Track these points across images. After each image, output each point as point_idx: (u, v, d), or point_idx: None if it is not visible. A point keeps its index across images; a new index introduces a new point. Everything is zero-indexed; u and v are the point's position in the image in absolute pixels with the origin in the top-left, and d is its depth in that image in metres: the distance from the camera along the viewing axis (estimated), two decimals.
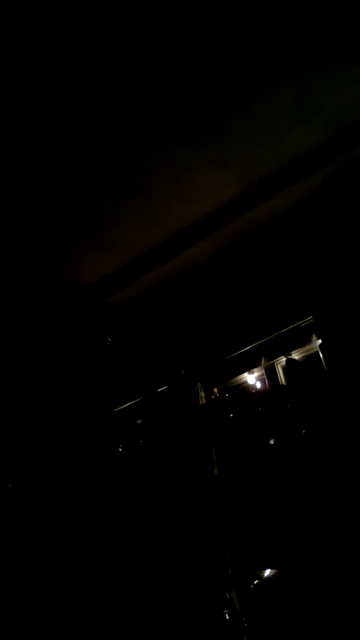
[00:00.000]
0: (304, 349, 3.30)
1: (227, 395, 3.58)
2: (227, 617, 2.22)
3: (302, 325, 3.27)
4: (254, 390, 3.49)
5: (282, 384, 3.33)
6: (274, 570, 2.48)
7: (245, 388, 3.54)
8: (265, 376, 3.42)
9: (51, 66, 2.38)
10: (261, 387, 3.45)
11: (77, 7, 2.16)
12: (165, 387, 3.77)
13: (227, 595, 2.32)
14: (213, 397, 3.58)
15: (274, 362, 3.40)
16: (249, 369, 3.49)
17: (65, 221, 3.23)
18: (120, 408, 4.02)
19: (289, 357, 3.34)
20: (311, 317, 3.20)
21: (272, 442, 2.93)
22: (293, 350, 3.32)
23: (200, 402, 3.40)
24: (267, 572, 2.48)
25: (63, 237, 3.35)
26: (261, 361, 3.44)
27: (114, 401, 4.06)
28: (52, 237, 3.34)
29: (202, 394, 3.47)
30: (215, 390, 3.61)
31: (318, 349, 3.19)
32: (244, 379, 3.52)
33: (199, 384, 3.50)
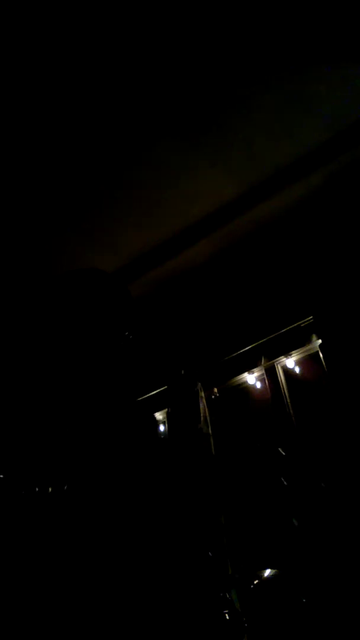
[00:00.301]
0: (304, 349, 3.30)
1: (228, 396, 3.58)
2: (227, 617, 2.22)
3: (302, 325, 3.27)
4: (254, 391, 3.49)
5: (283, 385, 3.33)
6: (274, 570, 2.47)
7: (245, 388, 3.54)
8: (265, 376, 3.42)
9: (53, 68, 2.38)
10: (261, 387, 3.45)
11: (81, 9, 2.16)
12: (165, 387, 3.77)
13: (227, 595, 2.32)
14: (213, 397, 3.58)
15: (274, 362, 3.40)
16: (249, 369, 3.49)
17: (65, 221, 3.24)
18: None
19: (288, 357, 3.34)
20: (311, 317, 3.20)
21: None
22: (293, 350, 3.32)
23: (201, 402, 3.41)
24: (267, 572, 2.48)
25: (63, 237, 3.35)
26: (261, 361, 3.44)
27: (126, 398, 4.05)
28: (52, 237, 3.34)
29: (202, 394, 3.47)
30: (215, 390, 3.61)
31: (318, 349, 3.19)
32: (244, 379, 3.52)
33: (199, 384, 3.50)
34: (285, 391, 3.29)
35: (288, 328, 3.33)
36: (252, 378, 3.48)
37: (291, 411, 3.18)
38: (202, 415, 3.35)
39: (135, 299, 3.87)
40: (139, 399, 3.92)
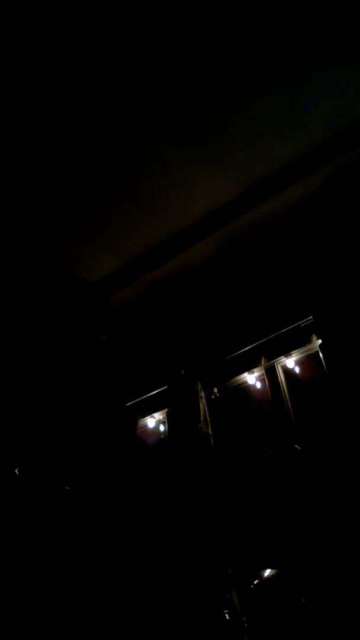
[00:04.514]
0: (304, 349, 3.30)
1: (228, 396, 3.58)
2: (227, 617, 2.22)
3: (302, 325, 3.27)
4: (254, 390, 3.49)
5: (283, 385, 3.33)
6: (274, 570, 2.48)
7: (245, 388, 3.54)
8: (265, 376, 3.42)
9: (52, 67, 2.38)
10: (261, 387, 3.45)
11: (81, 8, 2.16)
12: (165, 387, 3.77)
13: (227, 595, 2.32)
14: (213, 397, 3.58)
15: (274, 362, 3.40)
16: (249, 369, 3.49)
17: (65, 221, 3.24)
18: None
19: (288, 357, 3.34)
20: (311, 317, 3.20)
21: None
22: (293, 350, 3.32)
23: (200, 402, 3.41)
24: (267, 572, 2.48)
25: (64, 237, 3.35)
26: (261, 361, 3.44)
27: (116, 399, 4.05)
28: (53, 237, 3.34)
29: (202, 394, 3.47)
30: (215, 390, 3.60)
31: (318, 349, 3.19)
32: (244, 379, 3.52)
33: (199, 384, 3.50)
34: (285, 391, 3.29)
35: (288, 328, 3.32)
36: (252, 378, 3.48)
37: (291, 411, 3.18)
38: (202, 415, 3.35)
39: (135, 299, 3.88)
40: (139, 399, 3.92)
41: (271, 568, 2.51)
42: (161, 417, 3.83)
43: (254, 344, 3.45)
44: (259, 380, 3.47)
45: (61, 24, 2.22)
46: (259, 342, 3.44)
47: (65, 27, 2.23)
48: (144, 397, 3.89)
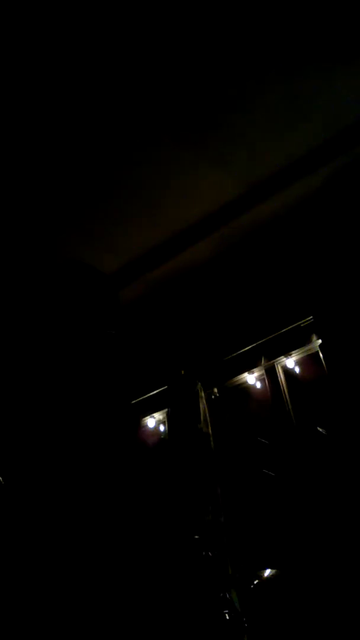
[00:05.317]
0: (304, 349, 3.30)
1: (228, 396, 3.58)
2: (227, 617, 2.22)
3: (302, 325, 3.27)
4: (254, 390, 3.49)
5: (283, 385, 3.33)
6: (274, 570, 2.48)
7: (245, 388, 3.53)
8: (265, 376, 3.42)
9: (54, 69, 2.38)
10: (261, 387, 3.45)
11: (81, 9, 2.16)
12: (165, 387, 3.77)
13: (227, 595, 2.32)
14: (213, 397, 3.58)
15: (274, 362, 3.40)
16: (249, 369, 3.48)
17: (67, 221, 3.24)
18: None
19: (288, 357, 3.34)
20: (311, 317, 3.20)
21: None
22: (293, 350, 3.32)
23: (201, 402, 3.41)
24: (267, 572, 2.48)
25: (65, 237, 3.35)
26: (261, 361, 3.43)
27: (121, 397, 4.05)
28: (54, 237, 3.34)
29: (202, 394, 3.47)
30: (215, 390, 3.60)
31: (318, 349, 3.19)
32: (244, 379, 3.52)
33: (199, 384, 3.50)
34: (285, 391, 3.29)
35: (288, 328, 3.32)
36: (252, 378, 3.48)
37: (291, 411, 3.18)
38: (202, 415, 3.35)
39: (135, 299, 3.88)
40: (139, 399, 3.92)
41: (271, 568, 2.51)
42: (161, 417, 3.83)
43: (254, 344, 3.45)
44: (259, 380, 3.47)
45: (63, 24, 2.22)
46: (259, 342, 3.44)
47: (67, 26, 2.23)
48: (144, 397, 3.89)
